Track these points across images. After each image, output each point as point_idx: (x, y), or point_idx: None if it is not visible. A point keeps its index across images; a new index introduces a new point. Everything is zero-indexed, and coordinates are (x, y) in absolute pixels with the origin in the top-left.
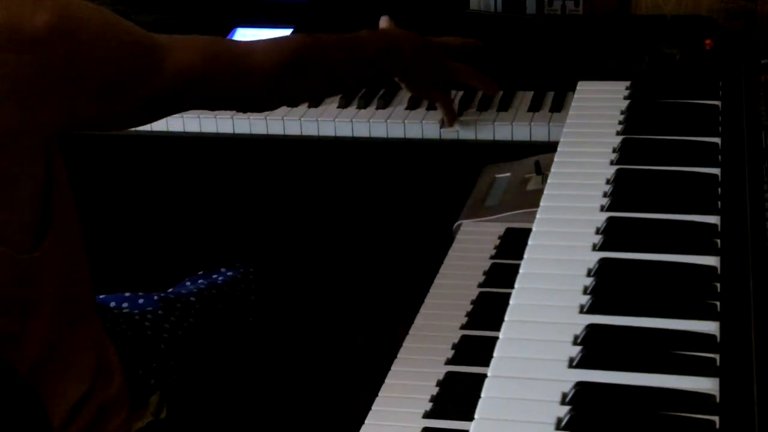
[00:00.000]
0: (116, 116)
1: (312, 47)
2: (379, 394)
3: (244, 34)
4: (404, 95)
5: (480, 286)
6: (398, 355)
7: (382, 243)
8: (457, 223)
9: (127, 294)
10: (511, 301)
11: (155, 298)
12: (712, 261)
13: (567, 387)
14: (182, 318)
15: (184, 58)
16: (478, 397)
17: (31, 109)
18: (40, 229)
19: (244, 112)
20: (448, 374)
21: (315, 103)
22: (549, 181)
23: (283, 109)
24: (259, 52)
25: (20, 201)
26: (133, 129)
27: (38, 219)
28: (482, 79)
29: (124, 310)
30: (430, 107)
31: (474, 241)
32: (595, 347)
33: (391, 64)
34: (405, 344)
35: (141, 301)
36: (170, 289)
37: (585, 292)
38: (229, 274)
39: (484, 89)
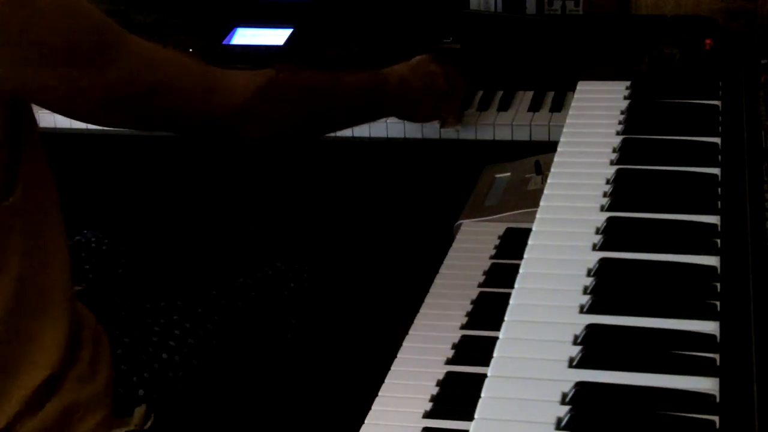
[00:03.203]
0: (70, 97)
1: (282, 82)
2: (379, 394)
3: (243, 34)
4: None
5: (480, 286)
6: (398, 355)
7: (382, 243)
8: (457, 223)
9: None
10: (511, 301)
11: (179, 303)
12: (712, 261)
13: (567, 387)
14: (196, 327)
15: (145, 51)
16: (478, 397)
17: None
18: (8, 182)
19: (212, 139)
20: (448, 374)
21: None
22: (549, 181)
23: None
24: (229, 79)
25: None
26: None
27: (4, 172)
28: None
29: (140, 312)
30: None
31: (474, 241)
32: (595, 347)
33: (378, 108)
34: (405, 344)
35: (163, 303)
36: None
37: (585, 292)
38: (269, 273)
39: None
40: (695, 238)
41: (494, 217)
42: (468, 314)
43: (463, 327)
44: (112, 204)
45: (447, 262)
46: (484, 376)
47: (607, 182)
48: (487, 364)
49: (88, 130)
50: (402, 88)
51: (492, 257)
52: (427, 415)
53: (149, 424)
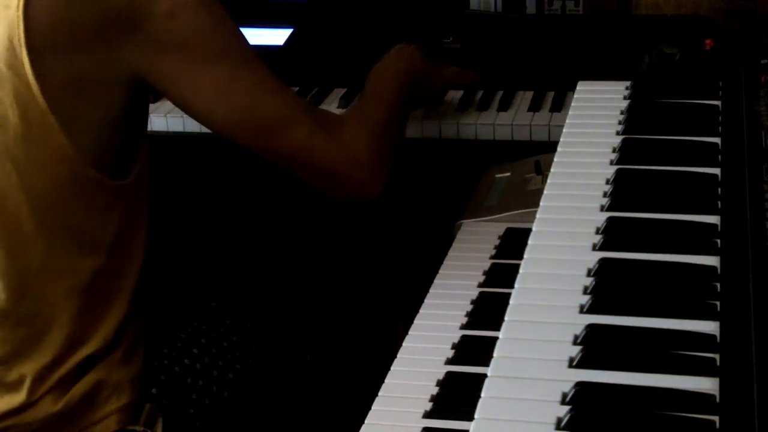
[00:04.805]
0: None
1: (373, 128)
2: (379, 394)
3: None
4: None
5: (480, 286)
6: (398, 355)
7: (382, 243)
8: (457, 223)
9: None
10: (511, 301)
11: (208, 312)
12: (712, 261)
13: (567, 387)
14: (221, 338)
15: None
16: (478, 397)
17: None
18: (124, 163)
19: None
20: (448, 374)
21: (315, 102)
22: (549, 181)
23: None
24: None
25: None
26: None
27: (122, 152)
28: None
29: (169, 317)
30: (430, 107)
31: (474, 241)
32: (595, 347)
33: (411, 101)
34: (405, 344)
35: (193, 312)
36: None
37: (585, 292)
38: None
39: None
40: (695, 238)
41: (494, 217)
42: (468, 314)
43: (463, 327)
44: None
45: (447, 262)
46: (484, 376)
47: (607, 182)
48: (487, 364)
49: None
50: (421, 68)
51: (492, 257)
52: (427, 415)
53: (159, 428)
